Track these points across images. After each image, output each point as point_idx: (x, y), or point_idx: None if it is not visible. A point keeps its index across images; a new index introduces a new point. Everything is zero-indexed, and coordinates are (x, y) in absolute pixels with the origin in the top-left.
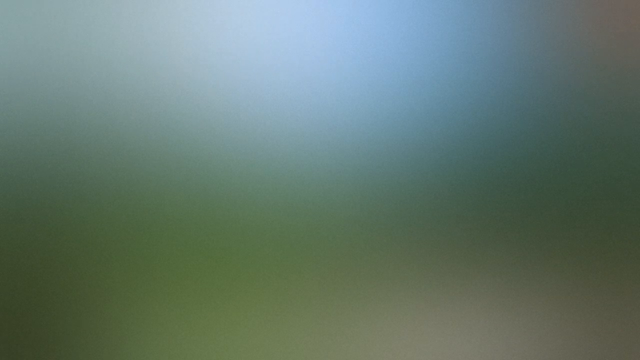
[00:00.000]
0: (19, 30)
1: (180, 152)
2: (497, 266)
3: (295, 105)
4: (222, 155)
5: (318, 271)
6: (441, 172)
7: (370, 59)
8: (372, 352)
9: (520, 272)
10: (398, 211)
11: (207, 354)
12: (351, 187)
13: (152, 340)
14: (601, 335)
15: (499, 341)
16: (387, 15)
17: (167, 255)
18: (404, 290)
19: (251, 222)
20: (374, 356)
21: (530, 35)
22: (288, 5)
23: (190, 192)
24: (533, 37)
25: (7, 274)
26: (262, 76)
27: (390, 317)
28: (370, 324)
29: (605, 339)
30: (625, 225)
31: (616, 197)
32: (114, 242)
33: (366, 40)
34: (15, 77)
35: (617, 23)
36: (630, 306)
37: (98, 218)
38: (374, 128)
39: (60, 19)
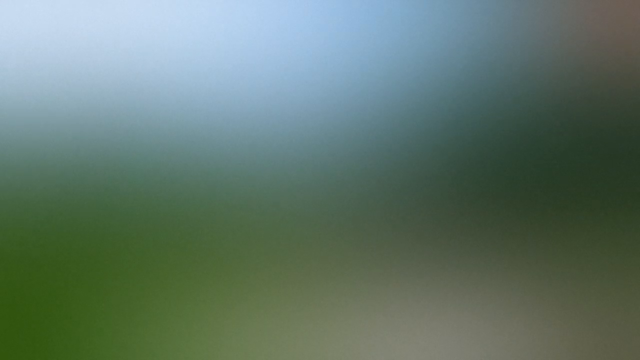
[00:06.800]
0: (19, 28)
1: (178, 152)
2: (496, 266)
3: (293, 104)
4: (220, 155)
5: (317, 270)
6: (439, 172)
7: (367, 60)
8: (372, 351)
9: (520, 272)
10: (397, 211)
11: (207, 353)
12: (350, 187)
13: (149, 339)
14: (602, 335)
15: (498, 340)
16: (386, 15)
17: (165, 256)
18: (402, 289)
19: (249, 222)
20: (372, 356)
21: (529, 34)
22: (286, 4)
23: (187, 191)
24: (532, 37)
25: (6, 274)
26: (260, 76)
27: (389, 316)
28: (369, 324)
29: (606, 339)
30: (625, 225)
31: (616, 196)
32: (111, 242)
33: (364, 40)
34: (14, 75)
35: (616, 23)
36: (631, 306)
37: (96, 220)
38: (371, 127)
39: (60, 17)
